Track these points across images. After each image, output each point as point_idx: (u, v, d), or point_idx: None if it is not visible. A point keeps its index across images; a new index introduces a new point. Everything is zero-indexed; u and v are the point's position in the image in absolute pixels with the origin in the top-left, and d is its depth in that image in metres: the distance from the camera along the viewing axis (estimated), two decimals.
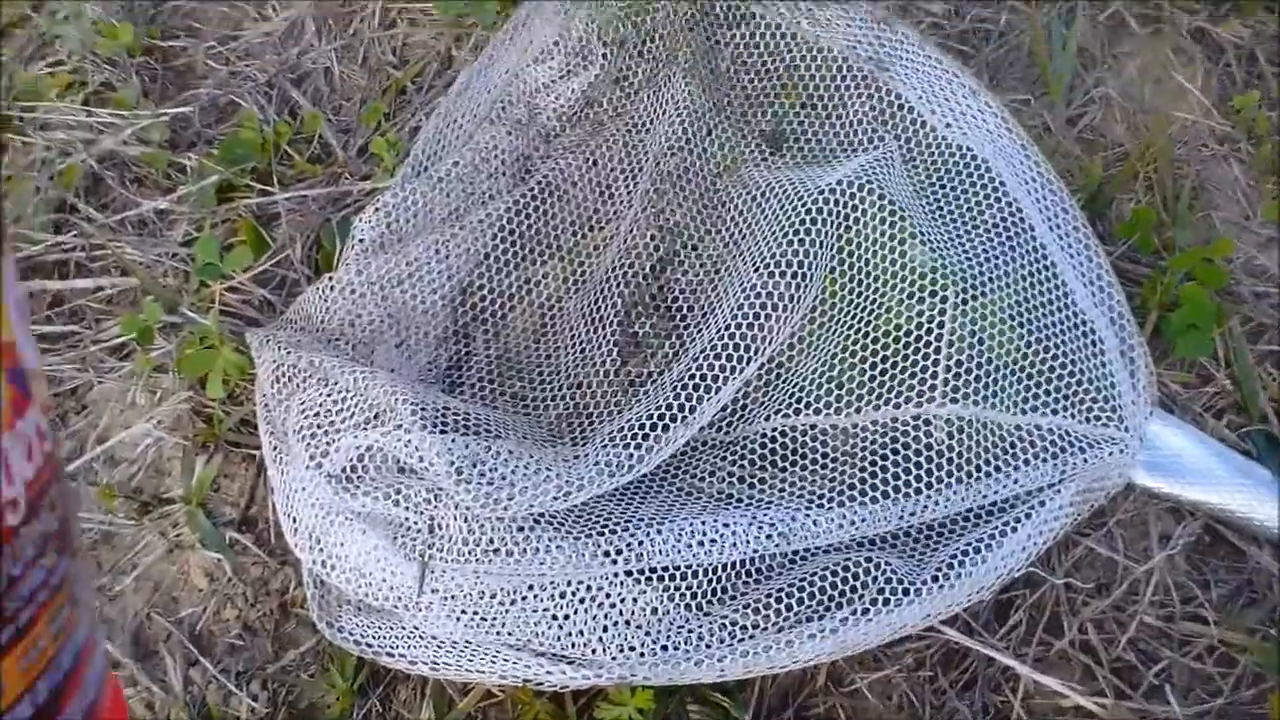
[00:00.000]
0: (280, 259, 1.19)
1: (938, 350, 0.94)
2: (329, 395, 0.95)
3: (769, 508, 0.92)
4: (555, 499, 0.87)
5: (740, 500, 0.94)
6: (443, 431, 0.90)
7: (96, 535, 1.05)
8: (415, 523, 0.90)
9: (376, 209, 1.08)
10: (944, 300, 0.95)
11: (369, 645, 0.94)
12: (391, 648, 0.94)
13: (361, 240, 1.07)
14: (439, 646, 0.93)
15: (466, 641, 0.92)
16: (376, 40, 1.37)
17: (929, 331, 0.94)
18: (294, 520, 0.96)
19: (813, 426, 0.96)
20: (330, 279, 1.03)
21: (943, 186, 1.05)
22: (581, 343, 1.04)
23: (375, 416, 0.92)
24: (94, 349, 1.15)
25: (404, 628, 0.94)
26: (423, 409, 0.91)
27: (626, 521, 0.90)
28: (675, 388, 0.93)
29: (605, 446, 0.91)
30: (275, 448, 0.99)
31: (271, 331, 1.03)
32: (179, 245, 1.20)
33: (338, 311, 1.03)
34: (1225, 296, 1.08)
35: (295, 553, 0.94)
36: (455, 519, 0.89)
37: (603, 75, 1.16)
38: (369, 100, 1.31)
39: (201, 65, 1.37)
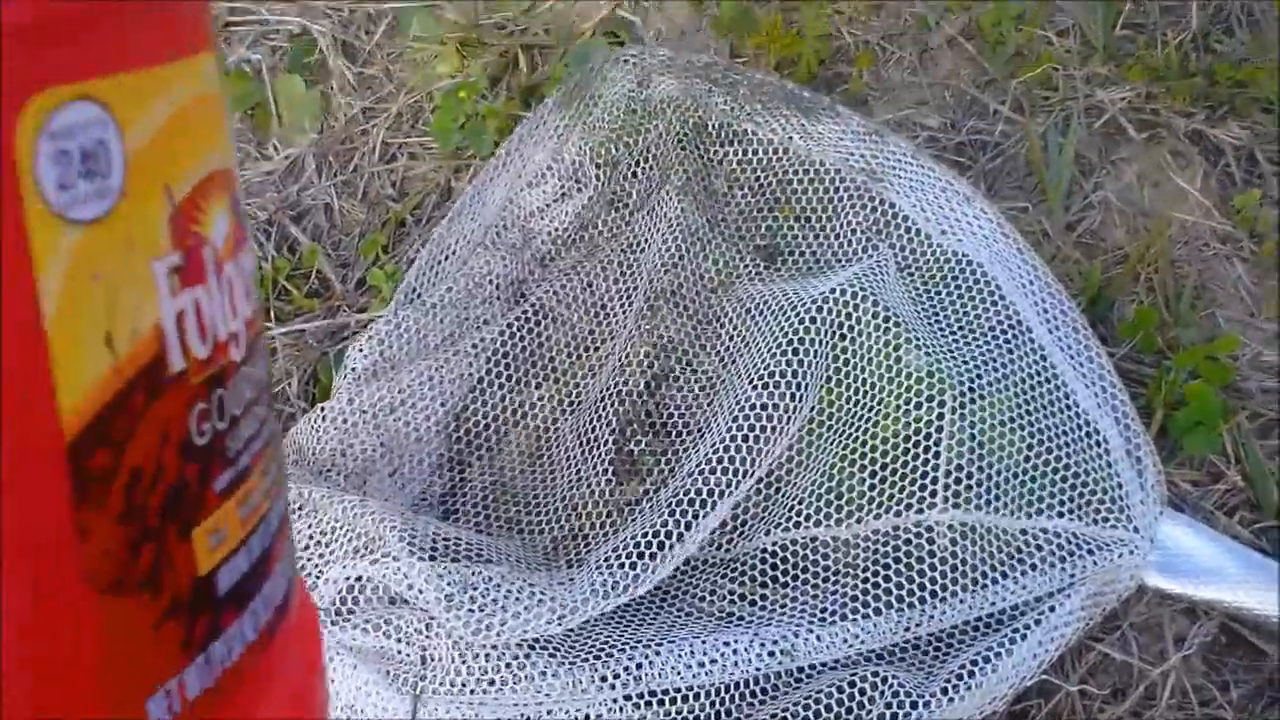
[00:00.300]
0: (276, 394, 1.18)
1: (937, 455, 0.92)
2: (318, 527, 0.93)
3: (771, 625, 0.90)
4: (549, 623, 0.85)
5: (742, 619, 0.92)
6: (433, 558, 0.88)
7: None
8: (407, 654, 0.88)
9: (369, 337, 1.07)
10: (941, 405, 0.93)
11: None
12: None
13: (354, 369, 1.06)
14: None
15: None
16: (376, 175, 1.38)
17: (927, 437, 0.93)
18: None
19: (813, 539, 0.95)
20: (322, 409, 1.03)
21: (939, 293, 1.04)
22: (576, 465, 1.03)
23: (364, 546, 0.91)
24: None
25: None
26: (412, 536, 0.89)
27: (625, 644, 0.88)
28: (669, 507, 0.91)
29: (599, 569, 0.89)
30: None
31: None
32: None
33: (329, 442, 1.02)
34: (1232, 393, 1.06)
35: None
36: (448, 649, 0.87)
37: (597, 197, 1.16)
38: (368, 234, 1.31)
39: None
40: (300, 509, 0.95)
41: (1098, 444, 0.95)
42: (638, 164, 1.16)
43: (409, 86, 1.43)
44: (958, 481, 0.91)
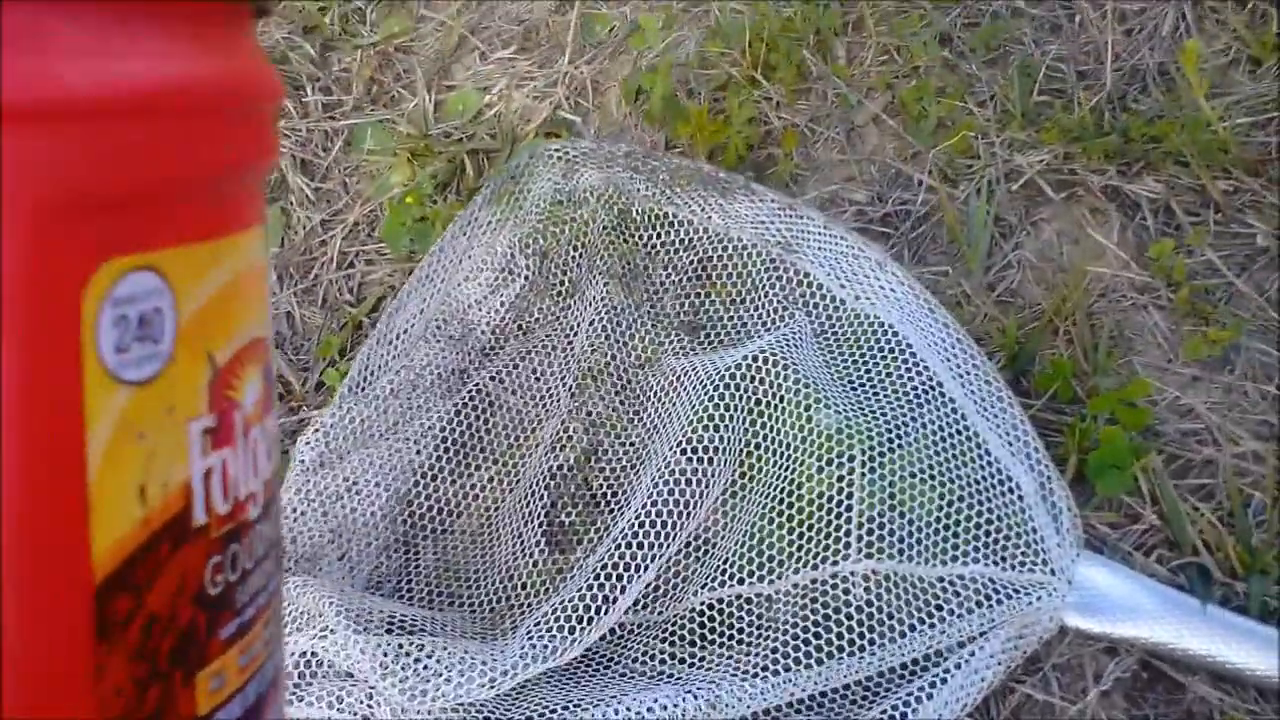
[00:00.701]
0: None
1: (848, 509, 0.96)
2: None
3: (699, 682, 0.93)
4: (482, 688, 0.89)
5: (674, 677, 0.95)
6: (370, 631, 0.92)
7: None
8: None
9: (315, 429, 1.12)
10: (851, 460, 0.97)
11: None
12: None
13: (302, 461, 1.11)
14: None
15: None
16: (334, 282, 1.43)
17: (840, 491, 0.96)
18: None
19: (738, 596, 0.98)
20: None
21: (853, 355, 1.08)
22: (514, 539, 1.07)
23: (306, 622, 0.94)
24: None
25: None
26: (348, 611, 0.93)
27: (558, 706, 0.91)
28: (595, 573, 0.95)
29: (530, 633, 0.92)
30: None
31: None
32: None
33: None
34: (1151, 436, 1.09)
35: None
36: (388, 716, 0.90)
37: (528, 287, 1.21)
38: (325, 337, 1.36)
39: None
40: None
41: (1010, 490, 0.98)
42: (567, 252, 1.21)
43: (365, 197, 1.49)
44: (870, 533, 0.95)
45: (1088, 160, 1.29)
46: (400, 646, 0.90)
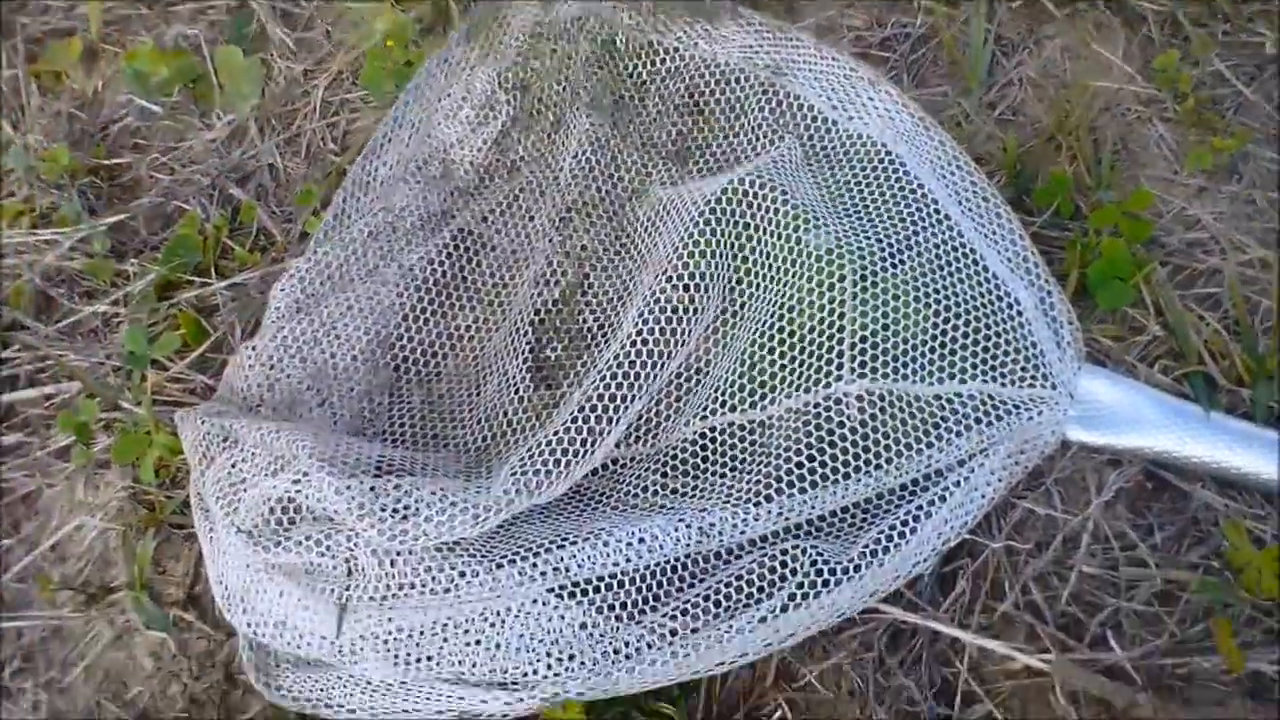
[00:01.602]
0: (221, 344, 1.20)
1: (841, 330, 0.92)
2: (240, 454, 0.95)
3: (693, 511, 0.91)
4: (465, 526, 0.86)
5: (670, 509, 0.92)
6: (345, 474, 0.89)
7: (45, 631, 1.05)
8: (333, 568, 0.89)
9: (290, 274, 1.09)
10: (843, 280, 0.94)
11: (308, 700, 0.93)
12: (329, 700, 0.93)
13: (278, 307, 1.08)
14: (374, 692, 0.92)
15: (401, 683, 0.90)
16: (317, 131, 1.39)
17: (832, 313, 0.93)
18: (224, 585, 0.96)
19: (731, 424, 0.95)
20: (247, 348, 1.04)
21: (845, 176, 1.05)
22: (500, 377, 1.04)
23: (280, 467, 0.92)
24: (42, 455, 1.17)
25: (339, 678, 0.93)
26: (323, 454, 0.90)
27: (548, 541, 0.88)
28: (582, 404, 0.92)
29: (515, 469, 0.89)
30: (202, 518, 0.99)
31: (197, 409, 1.03)
32: (123, 346, 1.21)
33: (256, 379, 1.03)
34: (1155, 248, 1.06)
35: (227, 618, 0.94)
36: (368, 558, 0.88)
37: (510, 123, 1.17)
38: (308, 186, 1.32)
39: (147, 178, 1.39)
40: (225, 441, 0.97)
41: (1010, 307, 0.95)
42: (547, 86, 1.17)
43: (348, 45, 1.44)
44: (864, 353, 0.91)
45: None
46: (374, 489, 0.87)
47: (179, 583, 1.06)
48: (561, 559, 0.87)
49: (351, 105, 1.41)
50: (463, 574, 0.86)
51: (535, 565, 0.86)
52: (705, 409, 0.96)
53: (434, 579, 0.86)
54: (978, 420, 0.91)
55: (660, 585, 0.90)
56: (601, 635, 0.87)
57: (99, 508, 1.12)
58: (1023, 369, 0.93)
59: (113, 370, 1.21)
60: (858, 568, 0.87)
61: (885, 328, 0.92)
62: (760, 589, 0.87)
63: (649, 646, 0.87)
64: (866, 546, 0.88)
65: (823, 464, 0.90)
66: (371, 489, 0.87)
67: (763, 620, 0.86)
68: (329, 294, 1.08)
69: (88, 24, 1.53)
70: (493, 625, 0.88)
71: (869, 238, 0.97)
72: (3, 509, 1.15)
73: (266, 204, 1.33)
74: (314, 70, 1.45)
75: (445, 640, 0.89)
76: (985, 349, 0.93)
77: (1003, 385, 0.92)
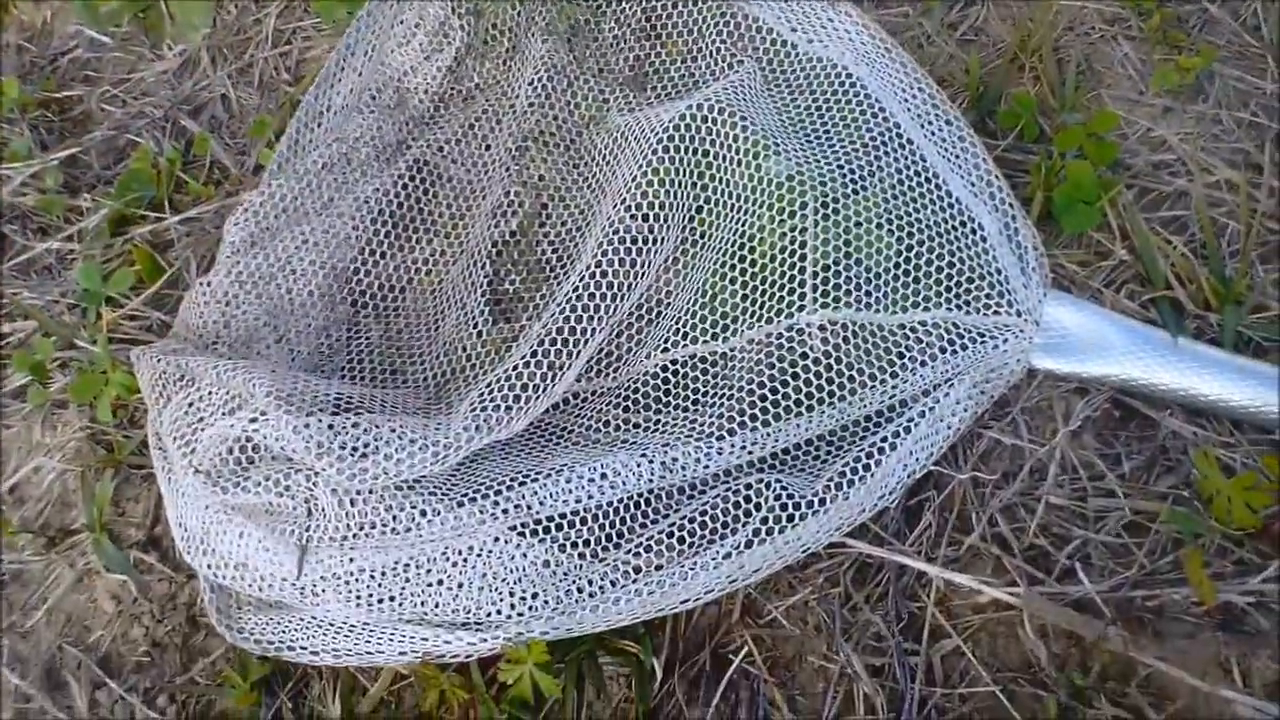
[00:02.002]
0: (177, 280, 1.18)
1: (803, 259, 0.91)
2: (196, 393, 0.93)
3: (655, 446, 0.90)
4: (425, 463, 0.85)
5: (632, 444, 0.91)
6: (303, 412, 0.88)
7: (5, 575, 1.04)
8: (293, 509, 0.88)
9: (244, 209, 1.07)
10: (804, 208, 0.92)
11: (270, 643, 0.93)
12: (291, 642, 0.92)
13: (232, 242, 1.06)
14: (337, 633, 0.91)
15: (364, 624, 0.90)
16: (269, 60, 1.36)
17: (793, 241, 0.92)
18: (184, 528, 0.94)
19: (693, 357, 0.94)
20: (202, 284, 1.02)
21: (806, 101, 1.03)
22: (458, 310, 1.02)
23: (236, 406, 0.90)
24: None
25: (302, 620, 0.92)
26: (280, 392, 0.89)
27: (509, 478, 0.87)
28: (541, 338, 0.90)
29: (474, 405, 0.88)
30: (160, 458, 0.97)
31: (152, 348, 1.01)
32: (77, 283, 1.19)
33: (212, 315, 1.01)
34: (1120, 170, 1.04)
35: (188, 560, 0.93)
36: (328, 498, 0.87)
37: (464, 50, 1.15)
38: (261, 117, 1.30)
39: (98, 110, 1.37)
40: (181, 379, 0.95)
41: (974, 232, 0.94)
42: (504, 11, 1.14)
43: None
44: (826, 282, 0.90)
45: None
46: (333, 426, 0.86)
47: (139, 524, 1.05)
48: (523, 496, 0.86)
49: (304, 33, 1.38)
50: (424, 513, 0.85)
51: (497, 503, 0.85)
52: (666, 341, 0.95)
53: (395, 518, 0.85)
54: (942, 349, 0.90)
55: (624, 522, 0.89)
56: (565, 573, 0.87)
57: (57, 449, 1.10)
58: (987, 296, 0.92)
59: (68, 308, 1.19)
60: (823, 501, 0.87)
61: (847, 256, 0.91)
62: (725, 524, 0.87)
63: (613, 584, 0.86)
64: (832, 479, 0.87)
65: (786, 396, 0.89)
66: (330, 427, 0.85)
67: (727, 556, 0.86)
68: (284, 228, 1.06)
69: None
70: (455, 565, 0.87)
71: (830, 164, 0.95)
72: None
73: (220, 136, 1.31)
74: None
75: (407, 580, 0.88)
76: (949, 276, 0.92)
77: (967, 313, 0.91)
